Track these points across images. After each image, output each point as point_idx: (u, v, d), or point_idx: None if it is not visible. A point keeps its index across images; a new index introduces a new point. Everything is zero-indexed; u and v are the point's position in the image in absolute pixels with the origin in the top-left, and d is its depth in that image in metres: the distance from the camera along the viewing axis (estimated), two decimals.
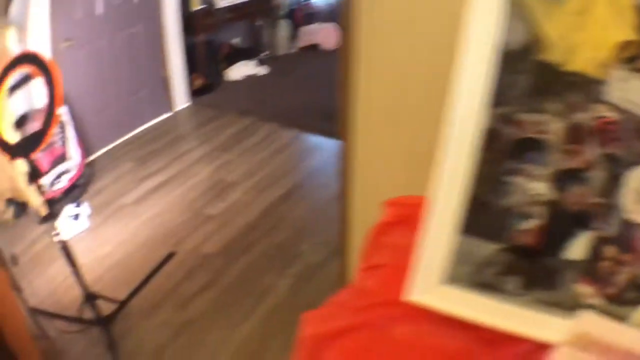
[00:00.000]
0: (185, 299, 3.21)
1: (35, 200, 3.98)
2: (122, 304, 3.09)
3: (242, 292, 3.21)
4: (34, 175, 2.56)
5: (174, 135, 5.33)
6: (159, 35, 5.38)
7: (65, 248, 2.74)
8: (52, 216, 4.11)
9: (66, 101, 4.12)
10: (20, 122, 3.85)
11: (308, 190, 4.14)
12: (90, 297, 2.86)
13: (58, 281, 3.45)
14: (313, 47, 7.24)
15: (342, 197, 1.87)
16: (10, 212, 4.12)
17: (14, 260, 2.96)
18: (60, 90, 2.41)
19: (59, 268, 3.50)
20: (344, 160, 1.93)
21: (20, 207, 4.21)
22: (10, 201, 4.12)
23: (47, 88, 2.40)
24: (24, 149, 2.47)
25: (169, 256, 3.55)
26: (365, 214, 1.85)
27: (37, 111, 3.97)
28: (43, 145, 2.49)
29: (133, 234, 3.87)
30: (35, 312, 2.99)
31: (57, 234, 2.76)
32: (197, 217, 3.96)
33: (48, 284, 3.44)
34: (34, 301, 3.05)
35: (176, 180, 4.48)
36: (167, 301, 3.21)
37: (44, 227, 4.03)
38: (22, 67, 2.48)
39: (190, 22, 5.74)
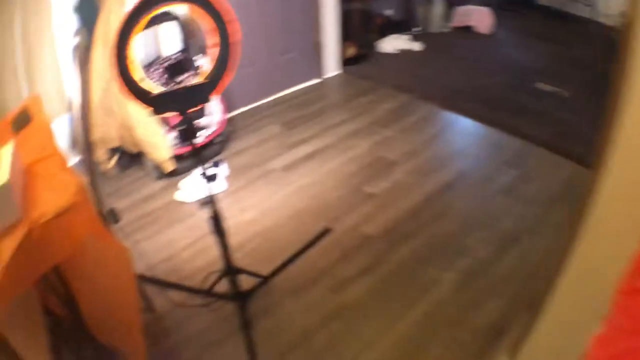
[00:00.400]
0: (340, 281, 2.76)
1: (160, 154, 3.60)
2: (265, 279, 2.69)
3: (403, 282, 2.75)
4: (190, 133, 2.11)
5: (325, 103, 4.93)
6: None
7: (214, 212, 2.27)
8: (179, 173, 3.77)
9: (205, 50, 3.72)
10: (173, 72, 3.48)
11: (472, 181, 3.58)
12: (231, 271, 2.44)
13: (178, 246, 3.10)
14: (466, 29, 6.78)
15: (579, 212, 1.50)
16: (112, 162, 3.76)
17: (114, 216, 2.56)
18: (235, 32, 1.96)
19: (181, 232, 3.22)
20: (594, 179, 1.56)
21: (129, 158, 3.87)
22: (116, 150, 3.75)
23: (217, 29, 1.96)
24: (178, 102, 2.01)
25: (324, 232, 3.09)
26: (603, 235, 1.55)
27: (190, 60, 3.60)
28: (207, 102, 2.04)
29: (282, 203, 3.43)
30: (140, 279, 2.62)
31: (203, 195, 2.29)
32: (356, 194, 3.47)
33: (163, 249, 3.09)
34: (138, 267, 2.75)
35: (331, 151, 4.04)
36: (319, 282, 2.77)
37: (162, 183, 3.67)
38: (171, 4, 2.03)
39: None
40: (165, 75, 3.43)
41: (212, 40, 1.98)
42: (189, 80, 2.01)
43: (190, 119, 2.05)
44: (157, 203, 3.52)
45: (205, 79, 2.01)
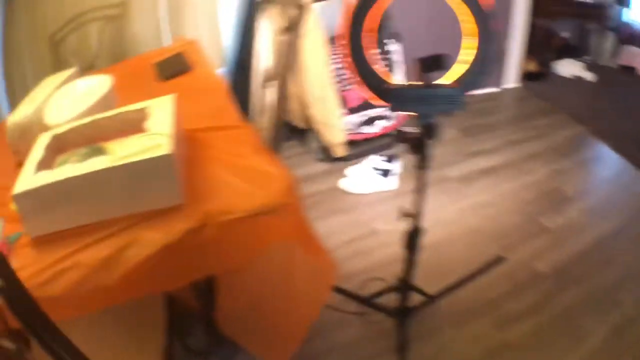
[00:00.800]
0: (506, 317, 2.65)
1: (333, 137, 3.55)
2: (432, 299, 2.58)
3: (563, 327, 2.62)
4: (429, 134, 1.87)
5: (503, 115, 4.85)
6: (508, 3, 4.89)
7: (415, 227, 2.24)
8: (345, 159, 3.71)
9: (397, 37, 3.65)
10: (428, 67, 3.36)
11: (632, 233, 3.38)
12: (406, 287, 2.35)
13: (337, 241, 3.02)
14: (630, 69, 6.40)
15: None
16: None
17: None
18: (497, 33, 1.79)
19: (342, 225, 3.14)
20: None
21: (290, 131, 3.88)
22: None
23: (478, 29, 1.79)
24: (419, 103, 1.78)
25: (498, 260, 2.99)
26: None
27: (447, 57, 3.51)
28: (456, 110, 1.78)
29: (456, 217, 3.38)
30: None
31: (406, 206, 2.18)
32: (531, 224, 3.36)
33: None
34: None
35: (508, 170, 3.93)
36: (485, 314, 2.67)
37: (325, 166, 3.68)
38: None
39: (537, 1, 5.15)
40: (409, 69, 3.33)
41: (468, 40, 1.80)
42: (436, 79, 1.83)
43: (430, 125, 1.84)
44: (318, 186, 3.51)
45: (456, 82, 1.80)
